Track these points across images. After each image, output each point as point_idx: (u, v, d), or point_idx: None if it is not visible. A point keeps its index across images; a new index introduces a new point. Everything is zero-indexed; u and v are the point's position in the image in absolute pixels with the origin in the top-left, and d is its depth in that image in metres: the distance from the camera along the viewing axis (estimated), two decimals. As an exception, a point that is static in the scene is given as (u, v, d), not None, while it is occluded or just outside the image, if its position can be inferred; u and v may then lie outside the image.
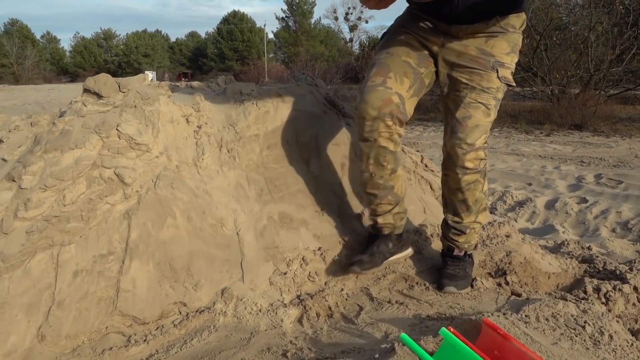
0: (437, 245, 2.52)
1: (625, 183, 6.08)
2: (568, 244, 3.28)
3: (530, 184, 6.33)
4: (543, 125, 11.33)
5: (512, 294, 2.30)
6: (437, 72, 2.16)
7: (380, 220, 2.22)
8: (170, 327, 1.87)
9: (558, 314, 1.96)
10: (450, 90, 2.13)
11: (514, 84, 2.14)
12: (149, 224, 1.98)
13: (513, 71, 2.12)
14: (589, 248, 3.22)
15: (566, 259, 2.87)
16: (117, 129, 2.01)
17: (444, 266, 2.25)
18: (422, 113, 13.64)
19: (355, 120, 2.16)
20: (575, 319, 1.93)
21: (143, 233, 1.96)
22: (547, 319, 1.91)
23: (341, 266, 2.25)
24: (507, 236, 2.74)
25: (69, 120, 2.00)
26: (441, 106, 2.24)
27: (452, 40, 2.07)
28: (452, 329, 1.57)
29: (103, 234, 1.91)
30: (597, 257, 2.90)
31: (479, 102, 2.07)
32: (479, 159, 2.12)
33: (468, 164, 2.11)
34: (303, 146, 2.50)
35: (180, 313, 1.94)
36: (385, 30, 2.26)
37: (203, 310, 1.95)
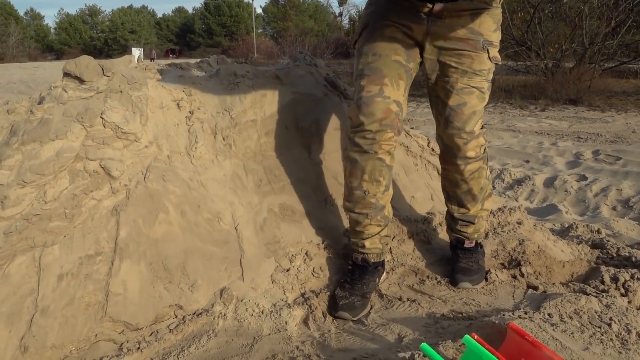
0: (446, 234, 2.39)
1: (623, 159, 5.99)
2: (577, 227, 3.16)
3: (527, 161, 6.23)
4: (538, 100, 11.19)
5: (528, 286, 2.17)
6: (422, 60, 1.98)
7: (367, 244, 2.01)
8: (165, 333, 1.73)
9: (581, 310, 1.84)
10: (440, 77, 1.96)
11: (501, 62, 2.00)
12: (139, 220, 1.81)
13: (498, 49, 1.98)
14: (598, 231, 3.11)
15: (577, 244, 2.75)
16: (101, 117, 1.84)
17: (456, 260, 2.11)
18: (414, 89, 13.40)
19: (349, 128, 1.97)
20: (599, 316, 1.81)
21: (133, 231, 1.80)
22: (570, 317, 1.79)
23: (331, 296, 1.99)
24: (519, 223, 2.61)
25: (48, 107, 1.82)
26: (429, 95, 2.06)
27: (437, 23, 1.88)
28: (475, 336, 1.43)
29: (89, 233, 1.75)
30: (608, 241, 2.80)
31: (472, 87, 1.92)
32: (480, 145, 1.99)
33: (470, 154, 1.98)
34: (303, 132, 2.34)
35: (176, 317, 1.79)
36: (362, 25, 2.03)
37: (201, 313, 1.80)
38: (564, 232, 3.14)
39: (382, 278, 2.10)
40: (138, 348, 1.66)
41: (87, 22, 73.18)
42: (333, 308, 1.91)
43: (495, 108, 10.79)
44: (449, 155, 2.02)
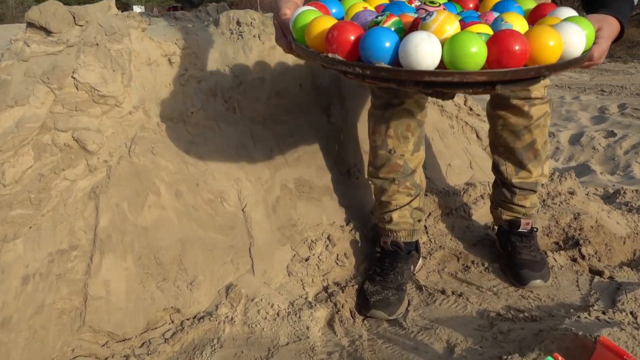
0: (487, 209, 2.04)
1: (652, 113, 5.62)
2: (624, 192, 2.81)
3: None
4: (556, 52, 10.68)
5: (591, 271, 1.83)
6: None
7: (395, 217, 1.66)
8: (159, 343, 1.40)
9: (666, 304, 1.51)
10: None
11: None
12: (123, 204, 1.47)
13: None
14: (649, 197, 2.75)
15: (628, 213, 2.40)
16: (73, 77, 1.48)
17: (514, 250, 1.72)
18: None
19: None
20: (690, 312, 1.48)
21: (116, 218, 1.45)
22: (657, 315, 1.46)
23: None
24: (571, 193, 2.25)
25: (5, 66, 1.46)
26: None
27: None
28: (559, 358, 1.10)
29: (61, 223, 1.41)
30: (664, 209, 2.45)
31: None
32: (546, 85, 1.63)
33: (536, 93, 1.61)
34: (322, 91, 1.96)
35: (173, 322, 1.47)
36: None
37: (203, 317, 1.47)
38: (609, 199, 2.79)
39: (418, 265, 1.76)
40: (126, 364, 1.34)
41: (86, -21, 71.92)
42: (364, 306, 1.58)
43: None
44: (506, 98, 1.63)
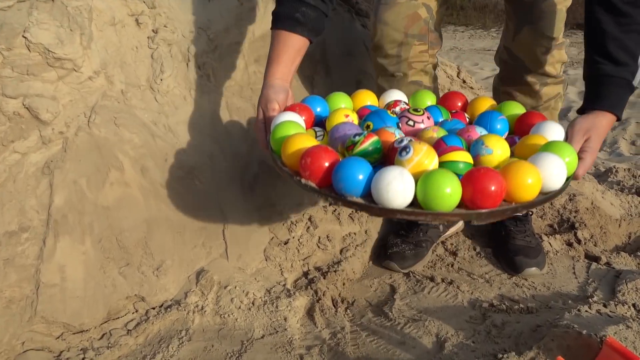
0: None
1: (640, 88, 5.52)
2: (616, 171, 2.71)
3: (537, 91, 5.74)
4: (543, 25, 10.56)
5: (586, 256, 1.74)
6: None
7: None
8: (121, 335, 1.27)
9: (668, 295, 1.42)
10: None
11: None
12: (82, 181, 1.32)
13: None
14: (641, 177, 2.66)
15: (621, 193, 2.31)
16: (24, 36, 1.30)
17: (508, 235, 1.62)
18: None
19: (370, 41, 1.55)
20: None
21: (74, 196, 1.30)
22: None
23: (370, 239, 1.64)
24: (566, 173, 2.14)
25: (-54, 22, 1.28)
26: None
27: None
28: (565, 362, 0.99)
29: (10, 201, 1.25)
30: (657, 190, 2.37)
31: None
32: (562, 62, 1.51)
33: (550, 69, 1.49)
34: (305, 59, 1.79)
35: (137, 311, 1.34)
36: None
37: (170, 306, 1.34)
38: (601, 177, 2.69)
39: (456, 226, 1.73)
40: (83, 358, 1.21)
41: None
42: (380, 257, 1.64)
43: (499, 34, 10.16)
44: (518, 73, 1.53)
